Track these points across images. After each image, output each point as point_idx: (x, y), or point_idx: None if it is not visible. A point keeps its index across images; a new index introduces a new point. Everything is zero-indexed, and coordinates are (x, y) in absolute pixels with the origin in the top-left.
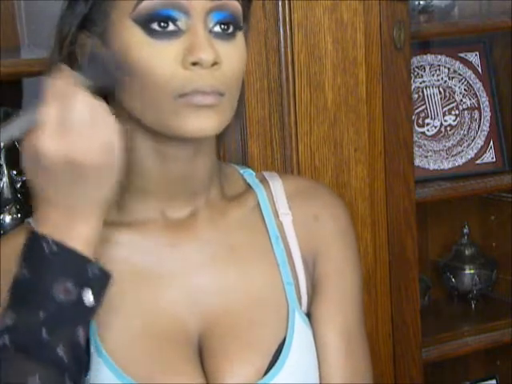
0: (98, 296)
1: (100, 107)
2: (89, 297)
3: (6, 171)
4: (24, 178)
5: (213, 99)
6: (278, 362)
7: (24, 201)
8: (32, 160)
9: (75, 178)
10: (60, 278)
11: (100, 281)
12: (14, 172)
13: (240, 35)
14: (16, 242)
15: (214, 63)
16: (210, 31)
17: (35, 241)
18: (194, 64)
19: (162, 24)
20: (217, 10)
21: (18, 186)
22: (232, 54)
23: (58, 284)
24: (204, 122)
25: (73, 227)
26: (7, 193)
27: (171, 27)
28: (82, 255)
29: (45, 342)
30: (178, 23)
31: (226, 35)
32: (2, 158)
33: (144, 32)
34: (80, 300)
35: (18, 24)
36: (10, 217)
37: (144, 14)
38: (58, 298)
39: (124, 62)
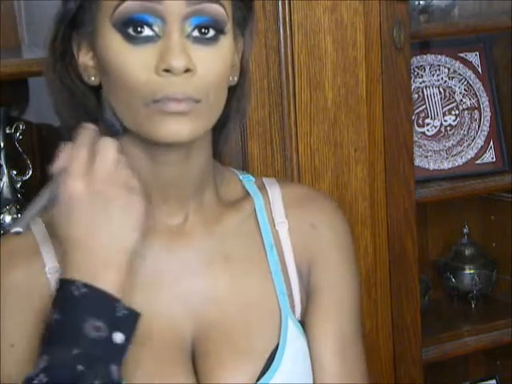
0: (128, 335)
1: (119, 155)
2: (119, 335)
3: (6, 171)
4: (24, 178)
5: (185, 106)
6: (271, 368)
7: (24, 201)
8: (61, 203)
9: (99, 216)
10: (90, 318)
11: (129, 320)
12: (14, 172)
13: (224, 39)
14: (16, 242)
15: (187, 70)
16: (189, 36)
17: (64, 285)
18: (166, 71)
19: (138, 29)
20: (195, 14)
21: (18, 186)
22: (211, 60)
23: (88, 323)
24: (176, 129)
25: (100, 271)
26: (7, 193)
27: (147, 32)
28: (110, 296)
29: (81, 376)
30: (155, 28)
31: (205, 40)
32: (2, 158)
33: (122, 37)
34: (110, 338)
35: (18, 24)
36: (10, 217)
37: (120, 19)
38: (90, 334)
39: (104, 65)
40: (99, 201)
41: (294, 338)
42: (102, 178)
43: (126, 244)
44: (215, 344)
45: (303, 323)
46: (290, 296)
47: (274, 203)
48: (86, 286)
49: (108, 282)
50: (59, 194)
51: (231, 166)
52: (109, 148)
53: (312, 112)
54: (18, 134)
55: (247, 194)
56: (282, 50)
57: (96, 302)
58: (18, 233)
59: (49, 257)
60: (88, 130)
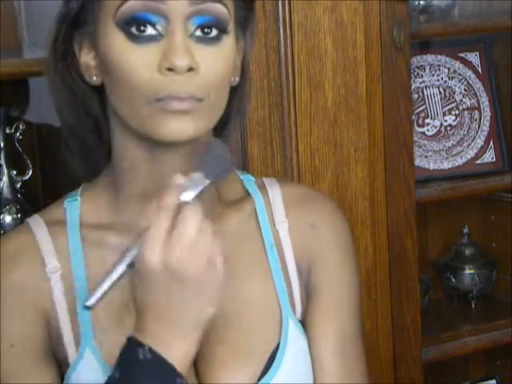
0: None
1: (205, 224)
2: None
3: (6, 171)
4: (24, 178)
5: (188, 105)
6: (272, 368)
7: (24, 201)
8: (139, 271)
9: (176, 290)
10: None
11: None
12: (14, 172)
13: (226, 38)
14: (17, 242)
15: (190, 69)
16: (192, 35)
17: (131, 345)
18: (169, 69)
19: (141, 28)
20: (198, 14)
21: (18, 186)
22: (214, 59)
23: None
24: (179, 127)
25: (171, 342)
26: (7, 193)
27: (150, 31)
28: (173, 368)
29: None
30: (158, 27)
31: (208, 39)
32: (2, 158)
33: (125, 35)
34: None
35: (18, 24)
36: (10, 217)
37: (123, 18)
38: None
39: (106, 64)
40: (176, 277)
41: (294, 337)
42: (182, 253)
43: (200, 319)
44: (215, 344)
45: (303, 323)
46: (290, 295)
47: (275, 203)
48: (152, 352)
49: (176, 352)
50: (137, 260)
51: None
52: (193, 217)
53: (312, 112)
54: (18, 134)
55: (247, 194)
56: (282, 49)
57: (158, 370)
58: (89, 308)
59: (49, 257)
60: (176, 188)
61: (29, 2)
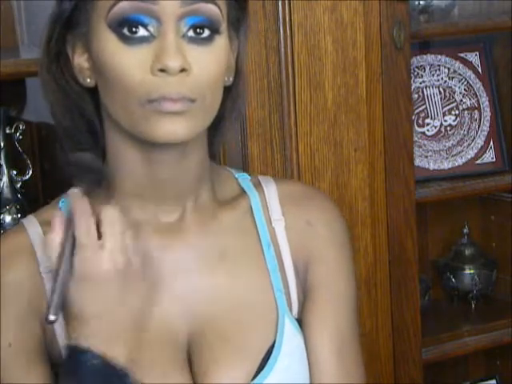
0: None
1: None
2: None
3: (6, 171)
4: (24, 178)
5: (181, 106)
6: (267, 366)
7: (24, 201)
8: (82, 281)
9: (122, 289)
10: None
11: None
12: (14, 172)
13: (219, 39)
14: (11, 242)
15: (182, 70)
16: (184, 36)
17: (76, 353)
18: (162, 71)
19: (133, 29)
20: (190, 14)
21: (18, 186)
22: (206, 59)
23: None
24: (172, 128)
25: (112, 343)
26: (7, 193)
27: (142, 32)
28: (121, 369)
29: None
30: (150, 28)
31: (200, 40)
32: (2, 158)
33: (117, 37)
34: None
35: (18, 24)
36: (10, 217)
37: (115, 19)
38: None
39: (99, 66)
40: (122, 277)
41: (290, 335)
42: (117, 256)
43: (142, 318)
44: (210, 342)
45: (300, 321)
46: (287, 293)
47: (271, 200)
48: (99, 357)
49: (119, 354)
50: (80, 269)
51: (231, 166)
52: (116, 220)
53: (312, 112)
54: (17, 134)
55: (243, 192)
56: (282, 49)
57: (107, 374)
58: (52, 322)
59: (43, 257)
60: (79, 196)
61: (29, 2)
